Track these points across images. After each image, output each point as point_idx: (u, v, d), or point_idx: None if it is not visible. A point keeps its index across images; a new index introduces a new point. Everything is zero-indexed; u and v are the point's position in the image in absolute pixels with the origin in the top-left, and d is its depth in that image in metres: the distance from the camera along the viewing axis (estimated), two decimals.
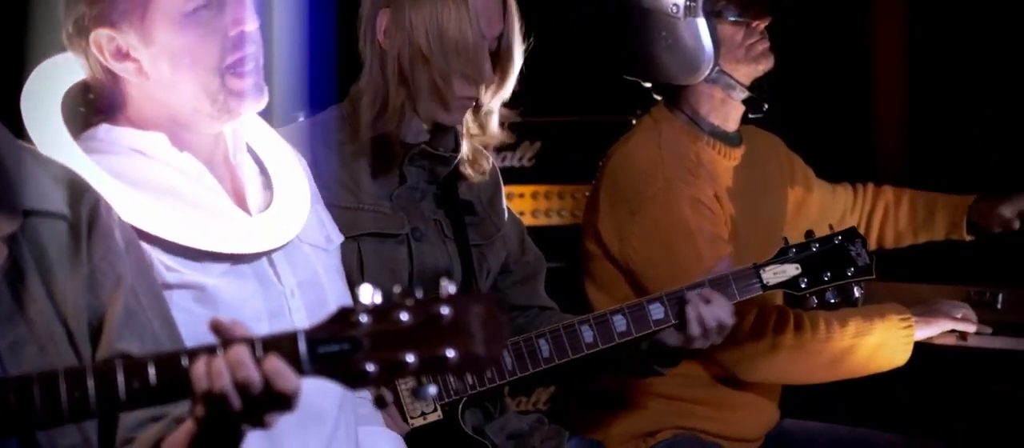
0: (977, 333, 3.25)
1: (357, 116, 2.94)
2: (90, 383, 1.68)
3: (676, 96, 3.30)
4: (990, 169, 4.02)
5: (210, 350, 1.69)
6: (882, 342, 3.09)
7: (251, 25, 2.28)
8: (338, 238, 2.57)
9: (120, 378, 1.68)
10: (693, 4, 3.18)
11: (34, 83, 2.32)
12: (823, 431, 3.36)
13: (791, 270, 2.93)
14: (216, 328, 1.71)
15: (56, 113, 2.29)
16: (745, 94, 3.24)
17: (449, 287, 1.61)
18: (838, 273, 2.94)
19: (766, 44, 3.25)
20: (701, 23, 3.19)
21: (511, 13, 2.96)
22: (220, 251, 2.28)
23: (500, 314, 1.57)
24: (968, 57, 4.05)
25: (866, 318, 3.13)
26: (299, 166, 2.52)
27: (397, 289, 1.63)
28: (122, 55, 2.28)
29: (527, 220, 4.07)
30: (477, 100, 2.93)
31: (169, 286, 2.24)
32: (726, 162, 3.28)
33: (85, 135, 2.34)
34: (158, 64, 2.27)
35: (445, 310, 1.59)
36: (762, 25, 3.24)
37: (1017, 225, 3.42)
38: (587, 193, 3.42)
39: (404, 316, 1.61)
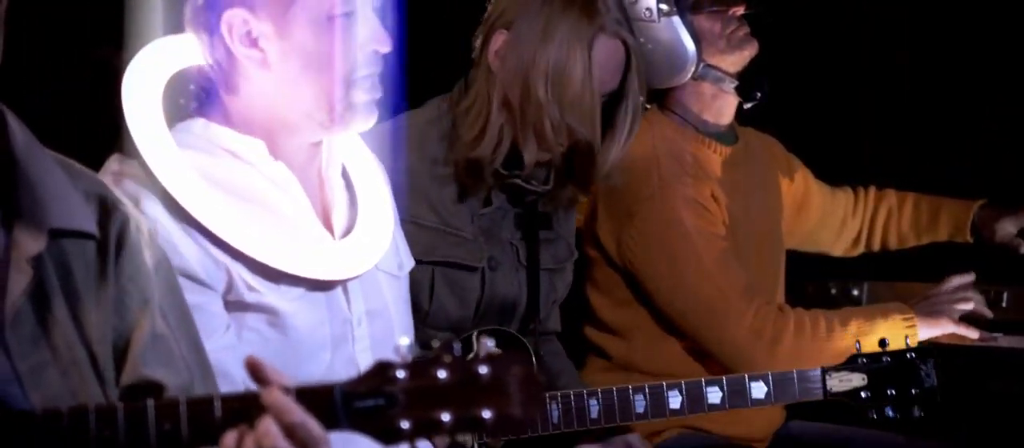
0: (982, 341, 3.23)
1: (456, 130, 2.89)
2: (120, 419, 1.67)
3: (666, 98, 3.30)
4: (986, 168, 4.03)
5: (242, 402, 1.68)
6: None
7: (385, 47, 2.28)
8: (409, 264, 2.53)
9: (152, 426, 1.67)
10: (666, 5, 3.18)
11: (137, 66, 2.29)
12: (829, 432, 3.37)
13: (857, 380, 2.89)
14: (252, 368, 1.70)
15: (156, 100, 2.26)
16: (735, 83, 3.24)
17: (488, 344, 1.61)
18: (903, 392, 2.90)
19: (746, 29, 3.25)
20: (677, 22, 3.17)
21: (633, 71, 2.92)
22: (301, 275, 2.26)
23: (538, 376, 1.57)
24: (966, 58, 4.05)
25: (868, 317, 3.14)
26: (386, 187, 2.49)
27: (436, 343, 1.63)
28: (251, 41, 2.25)
29: None
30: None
31: (247, 306, 2.23)
32: (721, 160, 3.29)
33: (180, 127, 2.31)
34: (288, 60, 2.25)
35: (483, 370, 1.60)
36: (739, 11, 3.24)
37: (1018, 245, 3.43)
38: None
39: (442, 373, 1.61)
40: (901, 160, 4.01)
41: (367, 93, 2.28)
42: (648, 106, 3.31)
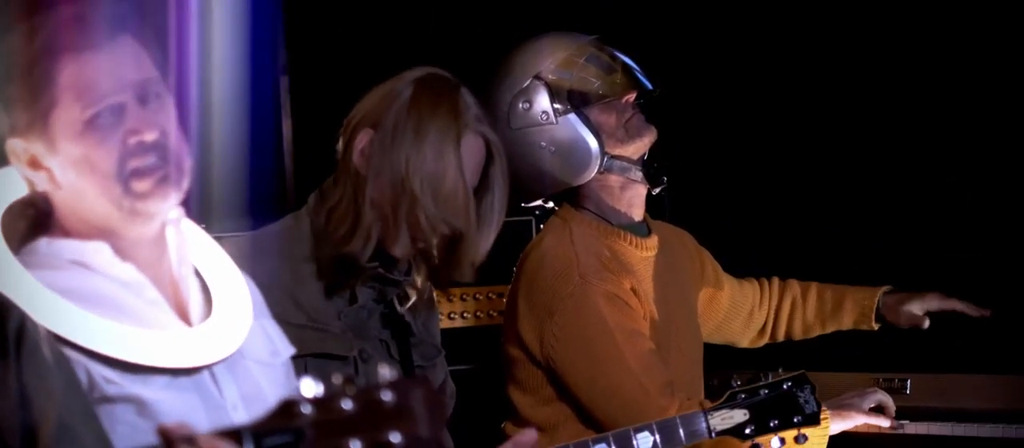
0: (892, 429, 3.28)
1: (326, 228, 2.94)
2: None
3: (577, 196, 3.36)
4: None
5: None
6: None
7: (149, 135, 2.29)
8: (287, 352, 2.55)
9: None
10: (560, 104, 3.26)
11: None
12: None
13: (739, 416, 2.94)
14: (162, 433, 1.71)
15: None
16: (640, 170, 3.31)
17: (388, 373, 1.64)
18: (785, 421, 2.95)
19: (641, 116, 3.33)
20: (575, 119, 3.26)
21: (495, 165, 2.98)
22: (159, 365, 2.28)
23: (439, 396, 1.59)
24: None
25: None
26: (242, 280, 2.51)
27: (338, 379, 1.65)
28: (36, 164, 2.31)
29: None
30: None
31: (110, 399, 2.23)
32: (639, 253, 3.34)
33: (25, 250, 2.34)
34: (66, 172, 2.30)
35: (387, 395, 1.62)
36: (631, 99, 3.32)
37: (926, 324, 3.49)
38: (491, 293, 3.44)
39: (347, 404, 1.63)
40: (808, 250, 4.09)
41: (146, 179, 2.30)
42: (556, 207, 3.39)
